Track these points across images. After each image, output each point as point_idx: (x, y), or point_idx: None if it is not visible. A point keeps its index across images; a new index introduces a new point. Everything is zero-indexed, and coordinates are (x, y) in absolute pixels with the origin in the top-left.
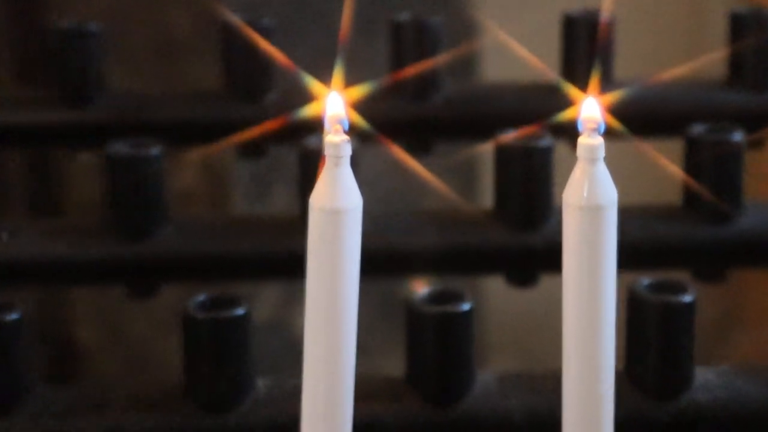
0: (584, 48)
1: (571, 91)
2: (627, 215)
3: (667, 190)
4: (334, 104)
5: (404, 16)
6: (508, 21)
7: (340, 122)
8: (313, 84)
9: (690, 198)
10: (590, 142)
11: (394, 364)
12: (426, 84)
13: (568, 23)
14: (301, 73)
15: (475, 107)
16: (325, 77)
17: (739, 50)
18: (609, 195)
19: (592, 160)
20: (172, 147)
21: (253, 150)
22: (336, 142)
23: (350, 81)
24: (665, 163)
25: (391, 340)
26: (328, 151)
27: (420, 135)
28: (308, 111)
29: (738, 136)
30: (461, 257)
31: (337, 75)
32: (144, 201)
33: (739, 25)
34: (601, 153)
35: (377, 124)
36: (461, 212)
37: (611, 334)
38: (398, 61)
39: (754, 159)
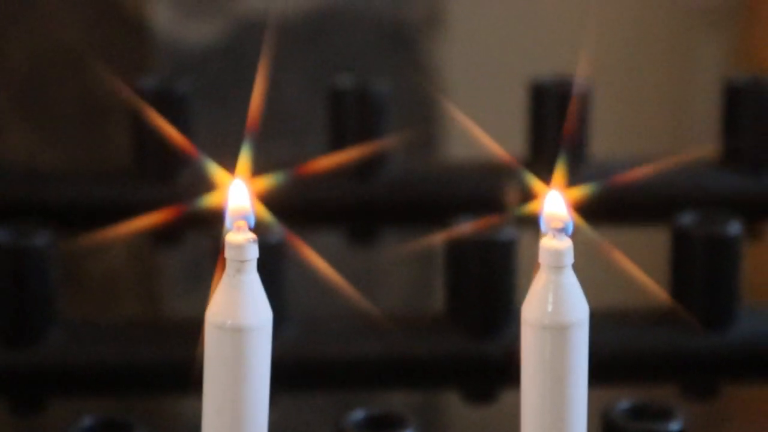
0: (556, 122)
1: (532, 178)
2: (602, 321)
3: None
4: (237, 195)
5: (347, 81)
6: (474, 86)
7: (245, 217)
8: (216, 170)
9: (677, 300)
10: (555, 245)
11: None
12: (370, 162)
13: (536, 92)
14: (202, 156)
15: (426, 190)
16: (259, 150)
17: (735, 125)
18: (579, 311)
19: (558, 268)
20: (69, 232)
21: (166, 236)
22: (238, 242)
23: (290, 154)
24: (638, 273)
25: None
26: (228, 254)
27: (363, 221)
28: (209, 202)
29: (735, 227)
30: (408, 369)
31: (243, 160)
32: (27, 300)
33: (735, 97)
34: (570, 259)
35: (311, 209)
36: (409, 316)
37: None
38: (339, 133)
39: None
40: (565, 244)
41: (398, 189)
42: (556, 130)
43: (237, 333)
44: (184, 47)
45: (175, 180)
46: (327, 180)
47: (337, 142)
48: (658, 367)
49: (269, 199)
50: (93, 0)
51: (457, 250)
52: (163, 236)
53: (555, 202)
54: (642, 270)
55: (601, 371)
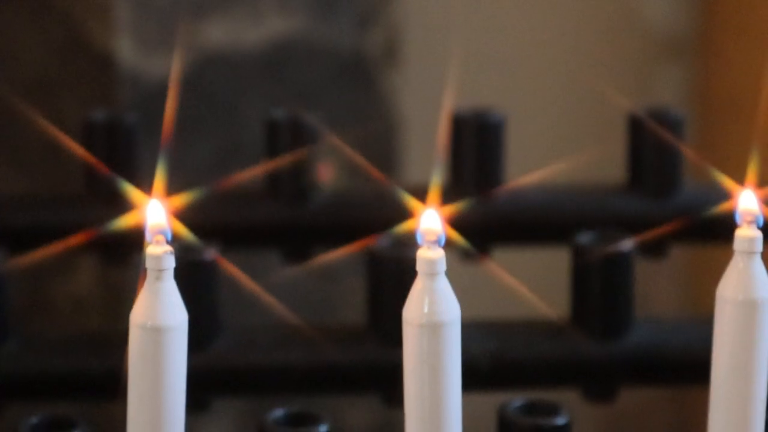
0: (473, 151)
1: (411, 199)
2: (508, 331)
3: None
4: (154, 213)
5: (279, 113)
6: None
7: (162, 232)
8: (133, 191)
9: (577, 312)
10: (430, 255)
11: None
12: (303, 186)
13: (455, 124)
14: (119, 179)
15: (356, 211)
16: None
17: (638, 153)
18: (451, 311)
19: (433, 275)
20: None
21: (113, 257)
22: (157, 254)
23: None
24: (514, 283)
25: None
26: (148, 264)
27: (297, 241)
28: (128, 220)
29: (628, 245)
30: (330, 375)
31: (159, 181)
32: None
33: (638, 127)
34: (442, 267)
35: (249, 229)
36: (334, 326)
37: None
38: (275, 160)
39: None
40: (438, 254)
41: (330, 211)
42: (473, 158)
43: (156, 332)
44: (147, 80)
45: (118, 204)
46: (262, 204)
47: (275, 168)
48: (561, 374)
49: (208, 223)
50: (60, 34)
51: (375, 266)
52: (118, 256)
53: (430, 219)
54: (543, 284)
55: (506, 377)
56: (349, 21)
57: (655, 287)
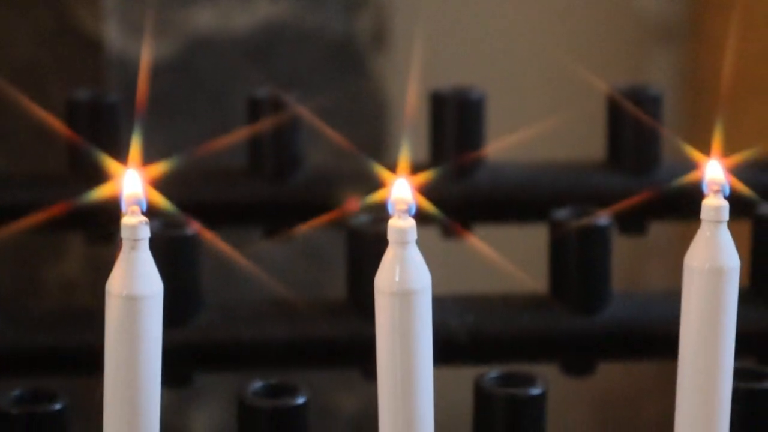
0: (453, 129)
1: (381, 168)
2: (488, 304)
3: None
4: (131, 183)
5: (261, 92)
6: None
7: (138, 202)
8: (109, 162)
9: (555, 286)
10: (400, 224)
11: None
12: (283, 163)
13: (435, 102)
14: (95, 151)
15: (337, 188)
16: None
17: (617, 130)
18: (421, 280)
19: (403, 243)
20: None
21: (98, 236)
22: (132, 224)
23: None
24: (494, 258)
25: None
26: (124, 234)
27: (278, 217)
28: (105, 191)
29: (604, 219)
30: (312, 350)
31: (135, 151)
32: None
33: (617, 105)
34: (413, 236)
35: (231, 206)
36: (315, 300)
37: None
38: (256, 137)
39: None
40: (409, 223)
41: (310, 189)
42: (453, 135)
43: (132, 301)
44: (135, 64)
45: (102, 182)
46: (243, 181)
47: (255, 148)
48: (540, 347)
49: (190, 199)
50: (49, 19)
51: (354, 241)
52: (104, 236)
53: (401, 188)
54: (524, 259)
55: (485, 350)
56: (337, 5)
57: (645, 266)
